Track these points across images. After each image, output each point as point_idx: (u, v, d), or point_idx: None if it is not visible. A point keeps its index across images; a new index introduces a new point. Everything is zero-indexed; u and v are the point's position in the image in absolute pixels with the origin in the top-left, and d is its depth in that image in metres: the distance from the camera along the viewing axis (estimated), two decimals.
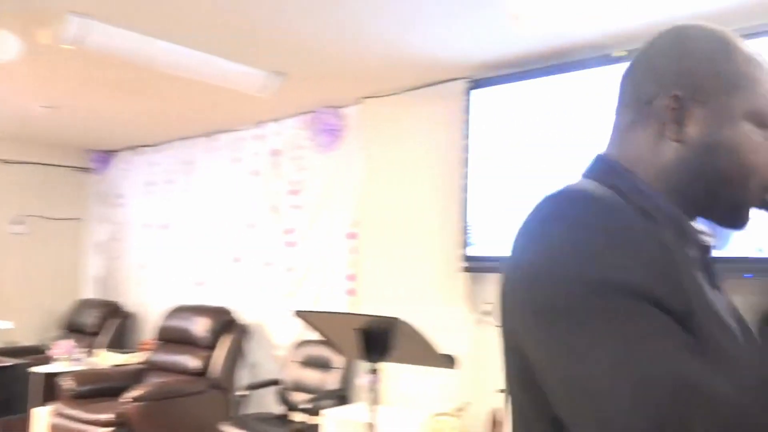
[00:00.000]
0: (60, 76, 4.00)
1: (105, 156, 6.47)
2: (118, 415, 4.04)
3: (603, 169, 0.84)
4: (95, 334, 5.66)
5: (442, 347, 2.27)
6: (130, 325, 5.85)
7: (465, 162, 3.68)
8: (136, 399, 4.07)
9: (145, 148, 6.14)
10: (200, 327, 4.71)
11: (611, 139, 0.88)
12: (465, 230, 3.63)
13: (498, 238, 3.50)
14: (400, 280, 4.00)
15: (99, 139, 6.00)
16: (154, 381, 4.52)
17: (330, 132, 4.53)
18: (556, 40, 3.22)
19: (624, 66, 0.90)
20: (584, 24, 3.03)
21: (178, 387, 4.37)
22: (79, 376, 4.61)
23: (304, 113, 4.72)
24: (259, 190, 5.02)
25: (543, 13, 2.70)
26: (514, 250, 0.77)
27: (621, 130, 0.87)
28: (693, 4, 2.78)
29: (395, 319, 2.17)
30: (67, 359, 4.99)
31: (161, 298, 5.66)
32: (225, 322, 4.75)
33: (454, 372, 3.41)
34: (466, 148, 3.69)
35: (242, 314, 4.91)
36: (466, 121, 3.70)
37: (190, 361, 4.61)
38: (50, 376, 4.84)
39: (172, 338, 4.89)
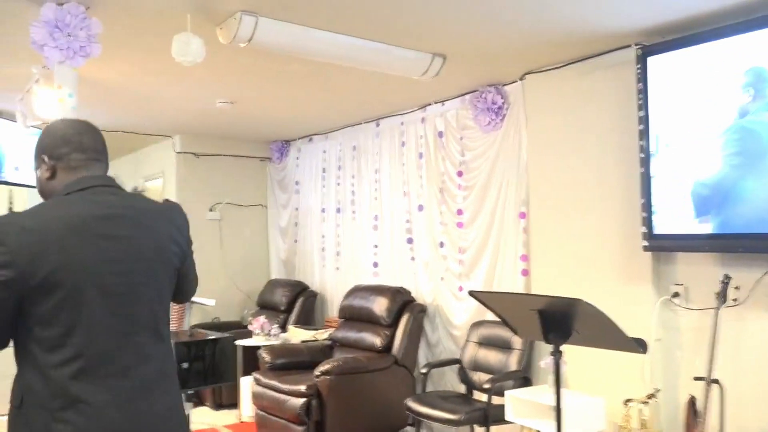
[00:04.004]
0: (235, 73, 4.29)
1: (283, 145, 6.94)
2: (310, 387, 4.39)
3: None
4: (286, 311, 6.16)
5: (629, 330, 2.20)
6: (316, 304, 6.30)
7: (644, 134, 3.49)
8: (325, 373, 4.39)
9: (317, 136, 6.48)
10: (380, 306, 4.95)
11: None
12: (647, 207, 3.47)
13: (687, 215, 3.31)
14: (576, 259, 3.92)
15: (276, 129, 6.43)
16: (341, 356, 4.85)
17: (493, 111, 4.49)
18: None
19: None
20: None
21: (364, 363, 4.64)
22: (275, 350, 5.06)
23: (467, 93, 4.73)
24: (427, 172, 5.13)
25: None
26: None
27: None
28: None
29: (577, 300, 2.09)
30: (264, 334, 5.49)
31: (341, 279, 6.03)
32: (403, 302, 4.94)
33: (643, 357, 3.31)
34: (644, 120, 3.49)
35: (418, 294, 5.09)
36: (643, 91, 3.49)
37: (373, 339, 4.87)
38: (249, 349, 5.37)
39: (354, 316, 5.20)
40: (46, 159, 1.70)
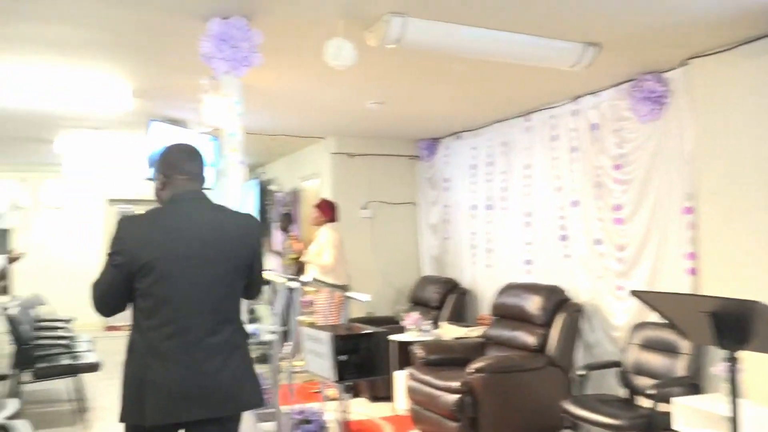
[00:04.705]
0: (385, 74, 4.39)
1: (431, 143, 7.00)
2: (464, 384, 4.37)
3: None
4: (437, 307, 6.21)
5: None
6: (467, 301, 6.29)
7: None
8: (479, 370, 4.35)
9: (466, 133, 6.46)
10: (534, 305, 4.84)
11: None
12: None
13: None
14: (753, 258, 3.58)
15: (425, 128, 6.50)
16: (495, 354, 4.79)
17: (652, 100, 4.22)
18: None
19: None
20: None
21: (518, 362, 4.56)
22: (428, 346, 5.11)
23: (623, 83, 4.49)
24: (581, 166, 4.93)
25: None
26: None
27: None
28: None
29: (754, 302, 1.96)
30: (417, 330, 5.57)
31: (492, 276, 5.97)
32: (558, 301, 4.79)
33: None
34: None
35: (574, 293, 4.91)
36: None
37: (527, 338, 4.77)
38: (402, 344, 5.46)
39: (506, 314, 5.12)
40: (160, 176, 2.28)
